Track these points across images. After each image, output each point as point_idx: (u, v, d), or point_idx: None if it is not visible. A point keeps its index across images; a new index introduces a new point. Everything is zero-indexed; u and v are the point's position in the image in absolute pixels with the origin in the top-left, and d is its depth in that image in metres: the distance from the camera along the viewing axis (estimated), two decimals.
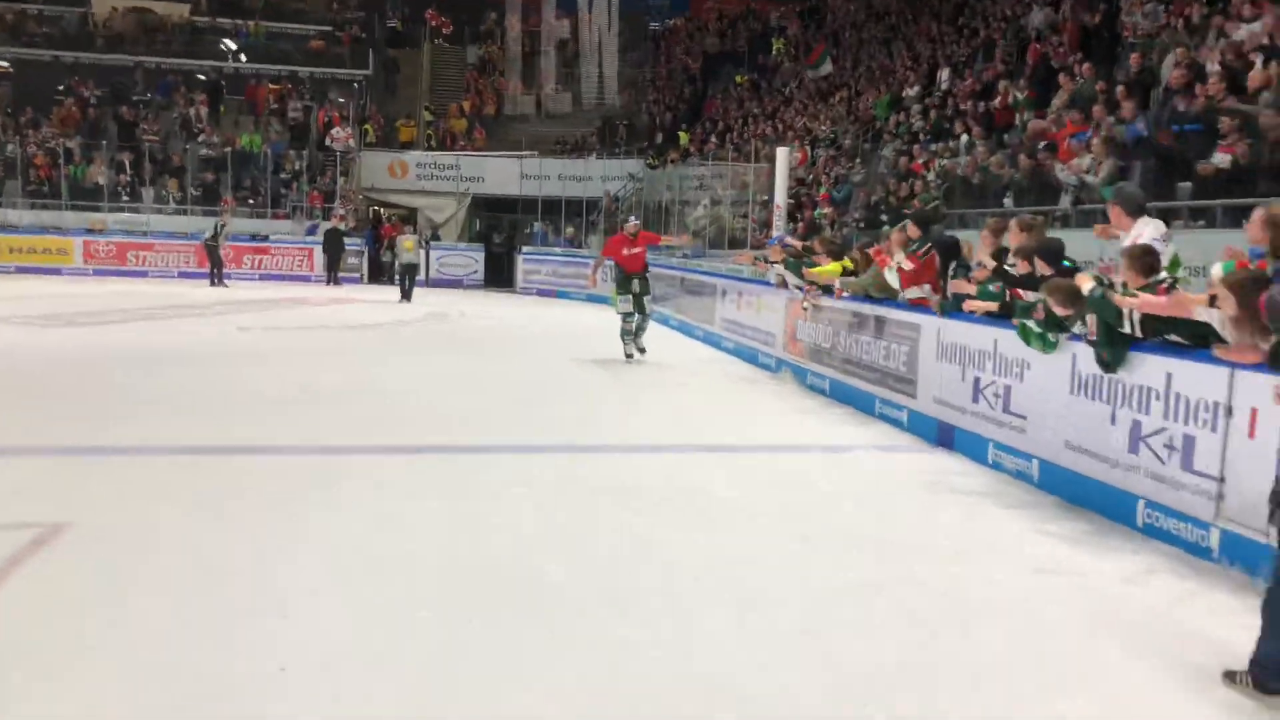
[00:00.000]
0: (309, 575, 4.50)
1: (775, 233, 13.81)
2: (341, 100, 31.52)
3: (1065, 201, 11.67)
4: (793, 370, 11.21)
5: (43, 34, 31.90)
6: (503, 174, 28.69)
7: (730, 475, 6.72)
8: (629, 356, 12.10)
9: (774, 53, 32.25)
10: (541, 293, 24.85)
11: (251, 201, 27.98)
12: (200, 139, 28.77)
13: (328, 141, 29.33)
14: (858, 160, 20.12)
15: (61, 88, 30.24)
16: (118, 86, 30.34)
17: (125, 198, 27.36)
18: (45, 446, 6.78)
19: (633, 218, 14.21)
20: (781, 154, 13.50)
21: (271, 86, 31.71)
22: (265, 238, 26.70)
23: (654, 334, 12.84)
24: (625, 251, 12.09)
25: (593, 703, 3.39)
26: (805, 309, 10.62)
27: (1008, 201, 12.79)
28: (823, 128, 24.11)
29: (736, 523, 5.56)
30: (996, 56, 19.12)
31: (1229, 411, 4.96)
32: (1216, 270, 4.79)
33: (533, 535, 5.20)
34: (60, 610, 4.00)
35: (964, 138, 16.04)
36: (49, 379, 9.66)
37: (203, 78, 32.04)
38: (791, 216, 19.74)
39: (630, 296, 11.97)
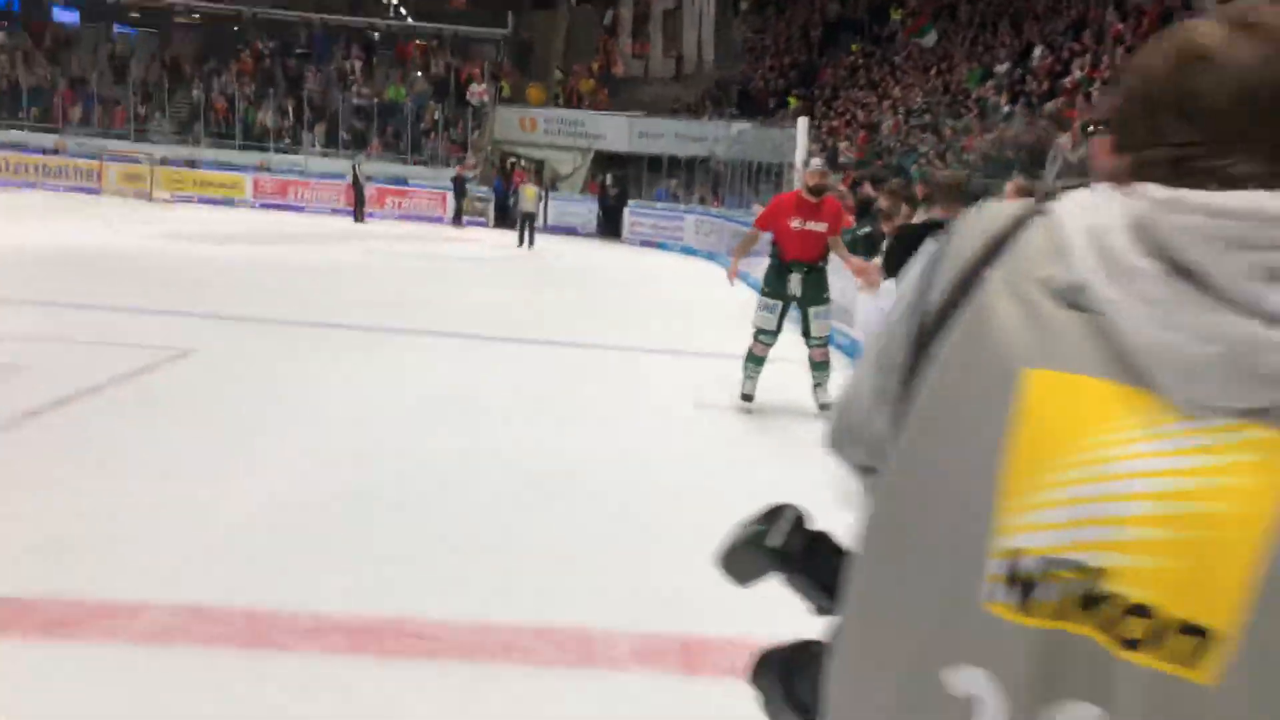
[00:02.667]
0: (338, 379, 7.04)
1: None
2: (483, 57, 34.45)
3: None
4: None
5: None
6: (621, 132, 31.04)
7: (666, 370, 8.94)
8: (746, 398, 7.21)
9: (890, 22, 33.42)
10: (644, 243, 27.13)
11: (401, 149, 31.29)
12: (353, 89, 32.20)
13: (467, 96, 32.30)
14: (930, 131, 21.55)
15: (240, 42, 34.21)
16: (287, 41, 34.10)
17: (288, 140, 31.05)
18: (192, 310, 9.59)
19: (815, 160, 7.70)
20: (801, 123, 15.22)
21: (419, 44, 34.91)
22: (405, 181, 29.92)
23: (701, 272, 14.23)
24: (794, 224, 7.05)
25: (465, 460, 5.72)
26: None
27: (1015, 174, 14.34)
28: (917, 99, 25.43)
29: (639, 394, 7.79)
30: (1086, 35, 20.13)
31: None
32: None
33: (486, 380, 7.59)
34: (187, 389, 6.62)
35: (1006, 110, 17.45)
36: (215, 276, 12.68)
37: (367, 33, 35.57)
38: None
39: (779, 303, 7.17)
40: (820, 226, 7.05)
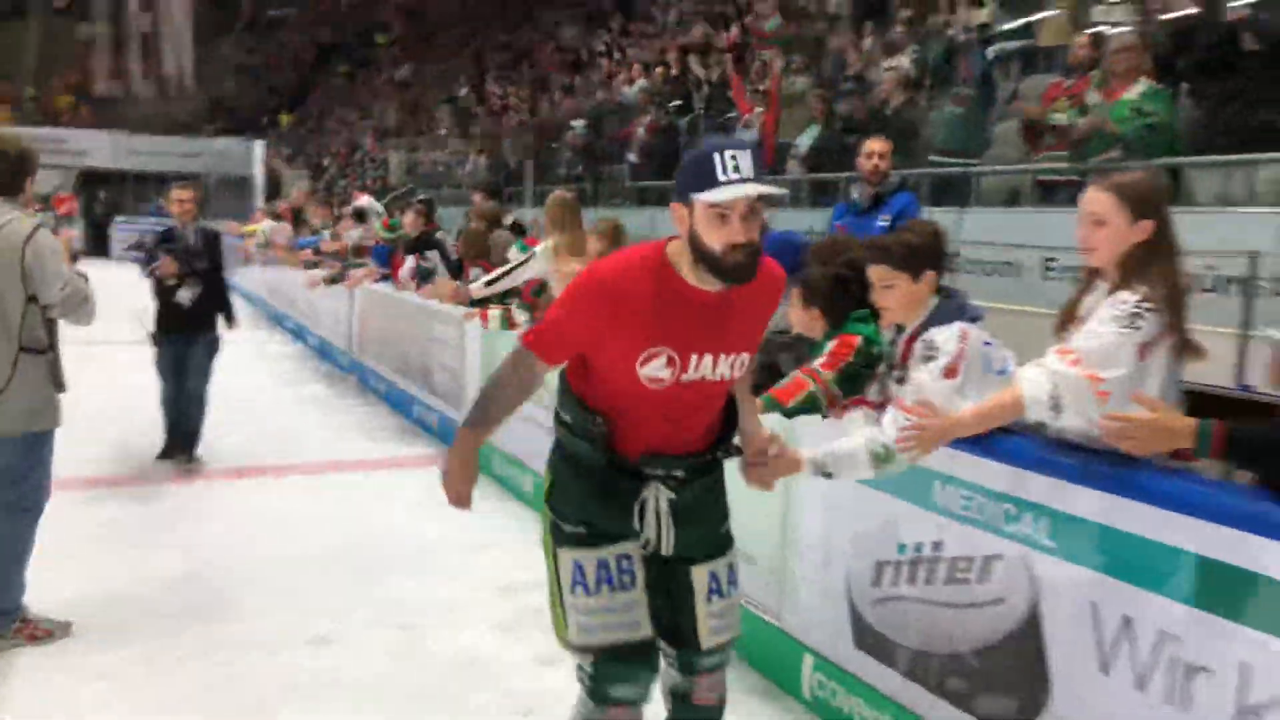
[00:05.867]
0: None
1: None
2: None
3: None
4: None
5: None
6: (108, 149, 30.61)
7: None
8: None
9: (376, 47, 35.93)
10: (135, 260, 27.21)
11: None
12: None
13: None
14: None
15: None
16: None
17: None
18: None
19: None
20: (258, 145, 17.23)
21: None
22: None
23: None
24: (653, 369, 2.19)
25: None
26: None
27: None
28: (393, 119, 28.13)
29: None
30: (527, 65, 23.71)
31: None
32: None
33: None
34: None
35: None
36: None
37: None
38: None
39: (629, 561, 2.34)
40: (738, 359, 2.34)
